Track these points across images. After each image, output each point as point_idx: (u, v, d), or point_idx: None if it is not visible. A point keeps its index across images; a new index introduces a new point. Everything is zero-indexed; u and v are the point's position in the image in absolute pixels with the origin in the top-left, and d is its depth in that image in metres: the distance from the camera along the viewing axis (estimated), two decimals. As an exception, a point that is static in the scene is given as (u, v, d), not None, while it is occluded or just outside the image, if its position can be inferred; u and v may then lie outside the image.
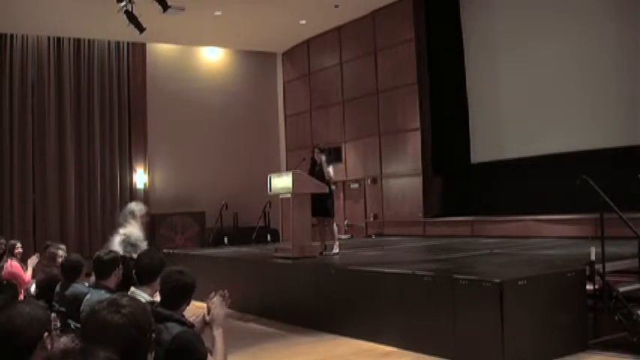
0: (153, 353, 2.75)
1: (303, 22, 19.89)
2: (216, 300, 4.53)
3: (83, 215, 20.00)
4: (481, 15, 17.27)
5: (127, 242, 6.93)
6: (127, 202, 8.20)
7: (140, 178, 20.81)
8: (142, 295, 4.62)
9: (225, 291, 4.65)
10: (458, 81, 17.70)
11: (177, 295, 4.32)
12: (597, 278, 8.14)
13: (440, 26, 18.09)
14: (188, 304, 4.42)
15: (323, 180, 11.92)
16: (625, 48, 13.98)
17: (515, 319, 7.30)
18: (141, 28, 15.70)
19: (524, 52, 16.03)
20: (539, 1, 15.74)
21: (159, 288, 4.58)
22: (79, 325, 5.22)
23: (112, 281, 5.73)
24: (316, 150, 12.51)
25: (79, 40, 20.10)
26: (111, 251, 6.10)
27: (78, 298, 5.78)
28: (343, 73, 20.76)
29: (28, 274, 9.68)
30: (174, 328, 3.98)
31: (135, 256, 6.32)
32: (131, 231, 7.26)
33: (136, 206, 7.80)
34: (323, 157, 12.27)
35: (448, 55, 17.93)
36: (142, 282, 4.89)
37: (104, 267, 5.80)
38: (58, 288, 6.42)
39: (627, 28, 13.96)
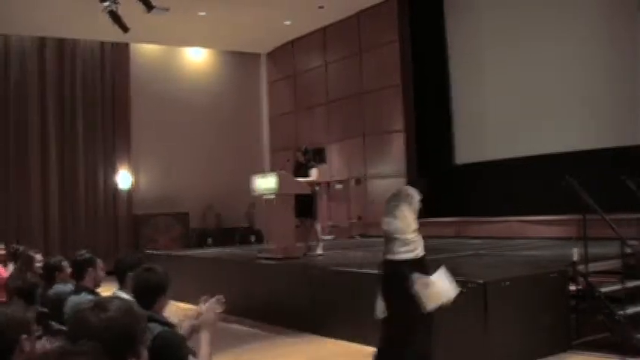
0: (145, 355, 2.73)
1: (288, 22, 19.87)
2: (209, 304, 4.49)
3: (66, 216, 19.88)
4: (465, 16, 17.31)
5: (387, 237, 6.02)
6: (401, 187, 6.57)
7: (124, 178, 20.72)
8: (124, 296, 4.57)
9: (222, 296, 4.60)
10: (442, 82, 17.74)
11: (147, 294, 4.24)
12: (580, 279, 8.18)
13: (424, 27, 18.10)
14: (164, 303, 4.34)
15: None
16: (614, 49, 14.01)
17: (499, 320, 7.32)
18: (125, 29, 15.63)
19: (509, 54, 16.08)
20: (524, 2, 15.79)
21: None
22: (62, 327, 5.18)
23: (89, 281, 5.71)
24: (299, 152, 12.54)
25: (62, 39, 19.99)
26: (85, 252, 6.07)
27: (60, 299, 5.75)
28: (328, 74, 20.74)
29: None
30: (156, 328, 3.95)
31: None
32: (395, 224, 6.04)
33: (412, 191, 6.22)
34: (310, 161, 12.36)
35: (432, 56, 17.95)
36: (122, 283, 4.84)
37: (78, 268, 5.79)
38: (39, 290, 6.39)
39: (612, 29, 14.02)
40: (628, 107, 13.63)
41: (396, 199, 5.98)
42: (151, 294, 4.24)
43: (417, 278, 5.54)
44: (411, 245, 5.73)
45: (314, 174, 12.20)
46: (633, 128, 13.39)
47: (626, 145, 13.34)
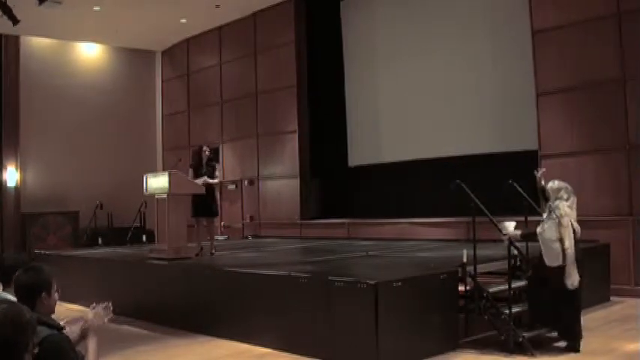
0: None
1: (184, 20, 19.71)
2: (97, 310, 4.42)
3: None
4: (361, 20, 17.48)
5: None
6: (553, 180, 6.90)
7: (11, 175, 20.10)
8: (10, 298, 4.45)
9: (110, 303, 4.54)
10: (337, 84, 17.88)
11: (27, 294, 4.12)
12: (469, 280, 8.37)
13: (321, 28, 18.25)
14: (49, 303, 4.22)
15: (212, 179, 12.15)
16: (502, 57, 14.39)
17: (390, 320, 7.41)
18: (15, 20, 15.19)
19: (403, 59, 16.31)
20: (418, 9, 16.06)
21: None
22: None
23: None
24: (205, 150, 12.48)
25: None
26: None
27: None
28: (223, 74, 20.66)
29: None
30: (43, 332, 3.85)
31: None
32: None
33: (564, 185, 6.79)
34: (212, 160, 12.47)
35: (328, 58, 18.08)
36: (6, 284, 4.70)
37: None
38: None
39: (501, 35, 14.38)
40: (515, 116, 14.03)
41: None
42: (31, 294, 4.12)
43: None
44: None
45: (218, 174, 12.29)
46: (520, 135, 13.78)
47: (513, 151, 13.78)
